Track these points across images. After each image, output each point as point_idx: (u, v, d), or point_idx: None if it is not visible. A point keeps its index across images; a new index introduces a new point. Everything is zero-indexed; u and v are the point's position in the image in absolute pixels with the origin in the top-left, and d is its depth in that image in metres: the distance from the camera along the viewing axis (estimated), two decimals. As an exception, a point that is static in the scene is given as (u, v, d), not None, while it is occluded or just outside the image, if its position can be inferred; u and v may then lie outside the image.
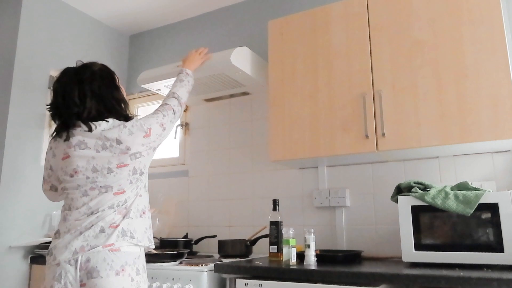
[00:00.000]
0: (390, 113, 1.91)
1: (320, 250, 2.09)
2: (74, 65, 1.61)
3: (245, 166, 2.66)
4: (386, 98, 1.93)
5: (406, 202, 1.77)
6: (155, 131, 1.60)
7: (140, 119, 1.60)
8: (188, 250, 2.24)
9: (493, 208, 1.61)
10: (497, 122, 1.70)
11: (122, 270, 1.40)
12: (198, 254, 2.55)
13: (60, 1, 2.88)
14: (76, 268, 1.38)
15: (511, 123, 1.68)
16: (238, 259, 2.13)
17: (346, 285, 1.56)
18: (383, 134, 1.90)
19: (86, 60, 1.64)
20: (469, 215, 1.63)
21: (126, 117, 1.59)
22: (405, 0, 1.97)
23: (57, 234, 1.47)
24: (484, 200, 1.62)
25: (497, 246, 1.57)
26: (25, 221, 2.47)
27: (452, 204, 1.66)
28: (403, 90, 1.90)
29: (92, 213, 1.44)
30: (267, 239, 2.17)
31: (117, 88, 1.63)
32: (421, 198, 1.74)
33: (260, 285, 1.70)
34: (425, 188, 1.82)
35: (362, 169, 2.30)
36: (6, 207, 2.38)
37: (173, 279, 1.88)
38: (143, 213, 1.54)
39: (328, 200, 2.32)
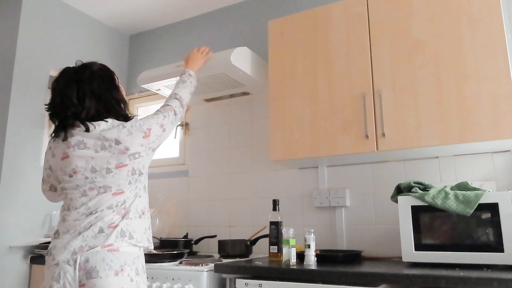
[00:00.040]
0: (390, 113, 1.91)
1: (320, 250, 2.09)
2: (74, 65, 1.60)
3: (245, 166, 2.66)
4: (386, 98, 1.93)
5: (406, 202, 1.77)
6: (154, 132, 1.60)
7: (140, 119, 1.60)
8: (188, 250, 2.24)
9: (493, 208, 1.61)
10: (497, 122, 1.70)
11: (122, 270, 1.40)
12: (198, 254, 2.55)
13: (60, 1, 2.88)
14: (75, 268, 1.37)
15: (511, 123, 1.68)
16: (238, 259, 2.13)
17: (346, 285, 1.56)
18: (383, 134, 1.90)
19: (86, 60, 1.64)
20: (469, 215, 1.62)
21: (125, 117, 1.58)
22: (405, 0, 1.97)
23: (56, 234, 1.47)
24: (484, 200, 1.62)
25: (497, 246, 1.57)
26: (25, 221, 2.47)
27: (452, 204, 1.66)
28: (403, 90, 1.90)
29: (91, 213, 1.44)
30: (267, 239, 2.17)
31: (117, 88, 1.62)
32: (421, 198, 1.73)
33: (260, 285, 1.70)
34: (425, 188, 1.82)
35: (362, 169, 2.30)
36: (6, 207, 2.38)
37: (173, 279, 1.88)
38: (143, 213, 1.54)
39: (328, 200, 2.32)
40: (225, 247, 2.31)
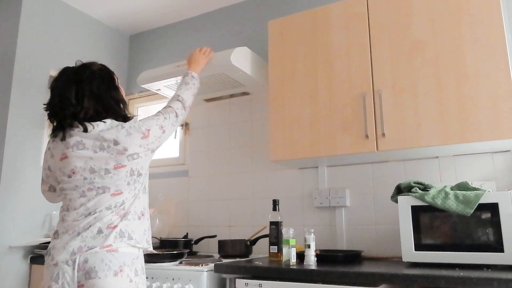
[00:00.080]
0: (390, 113, 1.91)
1: (320, 250, 2.09)
2: (74, 65, 1.60)
3: (245, 166, 2.66)
4: (386, 98, 1.93)
5: (406, 202, 1.77)
6: (153, 133, 1.59)
7: (139, 120, 1.59)
8: (188, 250, 2.24)
9: (493, 208, 1.61)
10: (497, 122, 1.70)
11: (121, 270, 1.39)
12: (198, 254, 2.55)
13: (60, 1, 2.88)
14: (73, 268, 1.37)
15: (511, 123, 1.68)
16: (238, 259, 2.13)
17: (346, 285, 1.56)
18: (383, 134, 1.90)
19: (86, 60, 1.63)
20: (469, 215, 1.62)
21: (124, 118, 1.58)
22: (405, 0, 1.97)
23: (56, 234, 1.47)
24: (484, 200, 1.62)
25: (497, 246, 1.57)
26: (25, 221, 2.47)
27: (452, 204, 1.66)
28: (403, 90, 1.90)
29: (89, 213, 1.44)
30: (267, 239, 2.17)
31: (116, 88, 1.62)
32: (421, 198, 1.73)
33: (260, 285, 1.70)
34: (425, 188, 1.82)
35: (362, 169, 2.30)
36: (6, 207, 2.38)
37: (173, 279, 1.88)
38: (142, 215, 1.53)
39: (328, 200, 2.32)
40: (225, 247, 2.31)
